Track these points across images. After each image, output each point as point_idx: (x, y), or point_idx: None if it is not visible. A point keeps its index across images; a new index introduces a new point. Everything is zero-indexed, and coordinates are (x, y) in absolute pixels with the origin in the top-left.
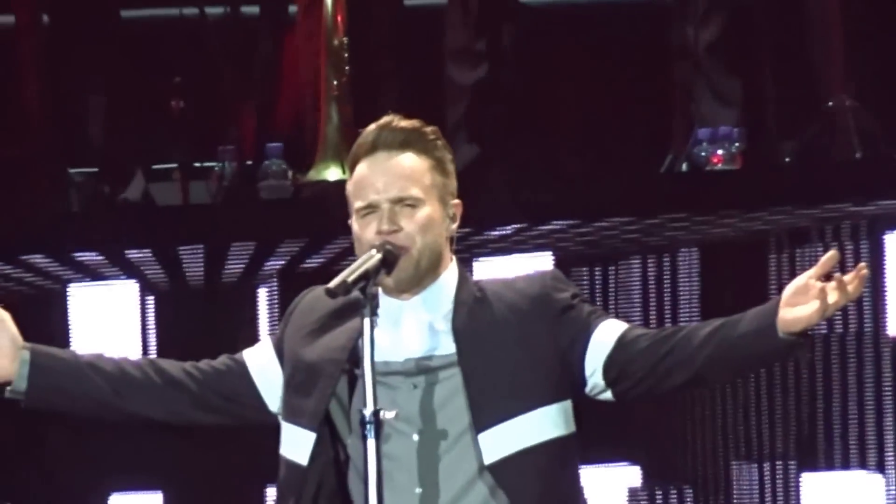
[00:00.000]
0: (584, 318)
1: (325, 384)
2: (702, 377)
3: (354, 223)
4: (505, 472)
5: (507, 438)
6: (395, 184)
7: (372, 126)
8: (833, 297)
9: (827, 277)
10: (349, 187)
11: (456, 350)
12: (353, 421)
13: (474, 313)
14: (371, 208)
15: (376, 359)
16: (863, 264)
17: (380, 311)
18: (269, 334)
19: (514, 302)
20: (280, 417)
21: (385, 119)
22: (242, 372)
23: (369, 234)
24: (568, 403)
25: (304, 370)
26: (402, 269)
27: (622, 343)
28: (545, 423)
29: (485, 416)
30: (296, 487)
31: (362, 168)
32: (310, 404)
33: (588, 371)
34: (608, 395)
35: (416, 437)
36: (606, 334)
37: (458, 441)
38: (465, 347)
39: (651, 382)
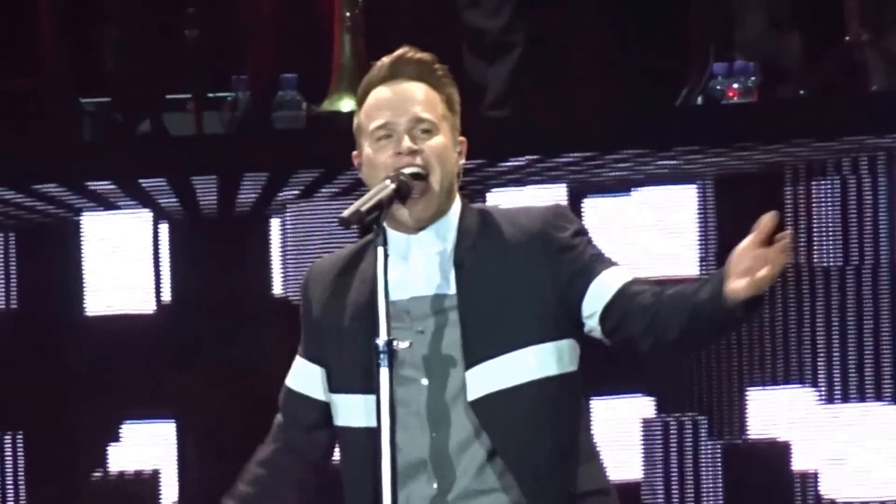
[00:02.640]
0: (585, 260)
1: (366, 345)
2: (679, 346)
3: (367, 148)
4: (486, 409)
5: (492, 376)
6: (413, 106)
7: (385, 58)
8: (763, 271)
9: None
10: (360, 115)
11: (456, 288)
12: (400, 368)
13: (476, 248)
14: (388, 129)
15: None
16: (786, 232)
17: (391, 248)
18: (299, 350)
19: (514, 237)
20: (331, 393)
21: (400, 51)
22: (304, 403)
23: (384, 157)
24: (565, 343)
25: (340, 339)
26: (422, 202)
27: (623, 294)
28: (536, 362)
29: (474, 352)
30: (372, 450)
31: (378, 92)
32: (360, 369)
33: (585, 313)
34: (607, 342)
35: (424, 382)
36: (608, 282)
37: (458, 381)
38: (464, 284)
39: (648, 342)
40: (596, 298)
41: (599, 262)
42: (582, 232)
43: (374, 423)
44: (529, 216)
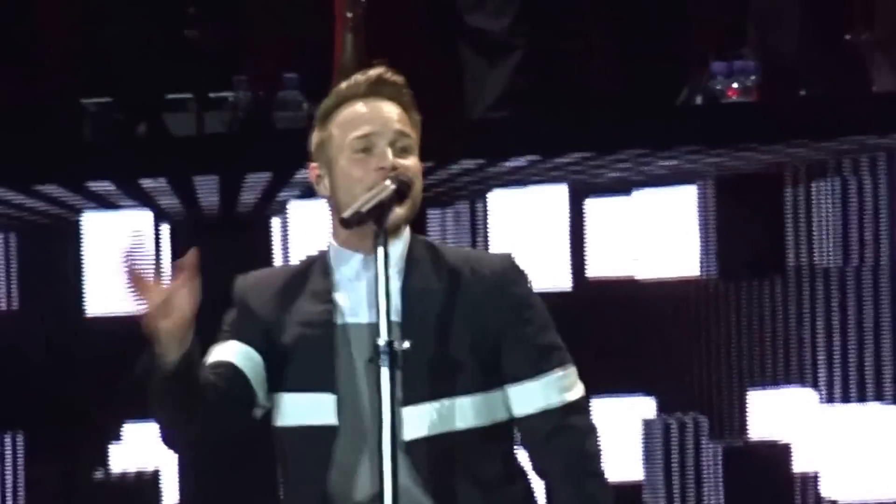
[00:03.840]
0: (531, 346)
1: (323, 345)
2: None
3: (341, 161)
4: (419, 451)
5: (428, 418)
6: (394, 123)
7: (358, 75)
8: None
9: None
10: (330, 128)
11: (401, 316)
12: (358, 371)
13: (425, 282)
14: (368, 142)
15: (338, 322)
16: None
17: (343, 268)
18: (222, 334)
19: (469, 281)
20: (279, 392)
21: (377, 70)
22: (232, 371)
23: (363, 171)
24: (497, 394)
25: (289, 345)
26: (398, 212)
27: (531, 423)
28: (472, 411)
29: (413, 390)
30: (326, 447)
31: (355, 108)
32: (315, 368)
33: (509, 395)
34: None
35: (367, 411)
36: (531, 398)
37: (397, 416)
38: (410, 317)
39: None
40: (518, 402)
41: (542, 355)
42: (532, 292)
43: (331, 421)
44: (485, 263)
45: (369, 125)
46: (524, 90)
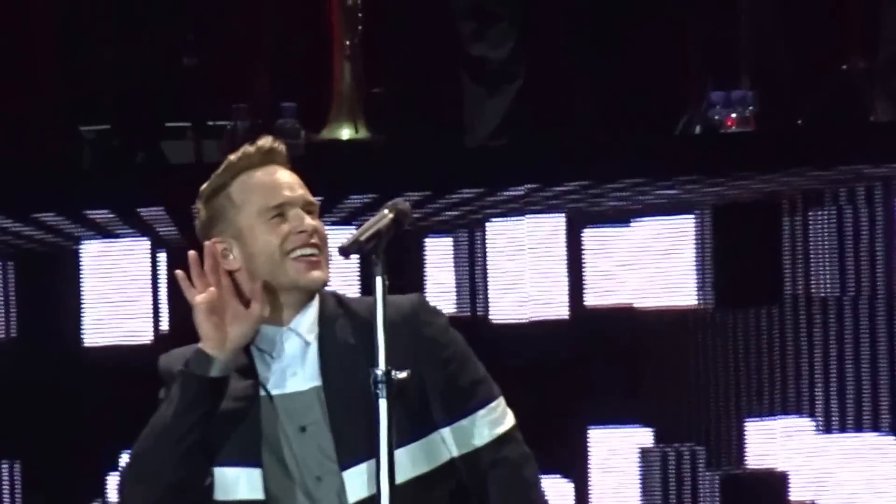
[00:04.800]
0: (451, 386)
1: (248, 418)
2: None
3: (256, 229)
4: None
5: (367, 478)
6: (299, 189)
7: (248, 146)
8: None
9: None
10: (234, 197)
11: (322, 381)
12: (284, 441)
13: (338, 338)
14: (284, 209)
15: (261, 394)
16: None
17: (262, 343)
18: None
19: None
20: (211, 467)
21: (265, 139)
22: None
23: (278, 239)
24: (435, 436)
25: (219, 418)
26: (319, 269)
27: (468, 461)
28: (409, 461)
29: (348, 453)
30: None
31: (258, 176)
32: (241, 441)
33: (443, 436)
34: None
35: (309, 482)
36: (463, 437)
37: (337, 482)
38: (330, 378)
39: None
40: (452, 443)
41: (465, 394)
42: (448, 324)
43: (258, 496)
44: (395, 307)
45: (281, 194)
46: (523, 119)
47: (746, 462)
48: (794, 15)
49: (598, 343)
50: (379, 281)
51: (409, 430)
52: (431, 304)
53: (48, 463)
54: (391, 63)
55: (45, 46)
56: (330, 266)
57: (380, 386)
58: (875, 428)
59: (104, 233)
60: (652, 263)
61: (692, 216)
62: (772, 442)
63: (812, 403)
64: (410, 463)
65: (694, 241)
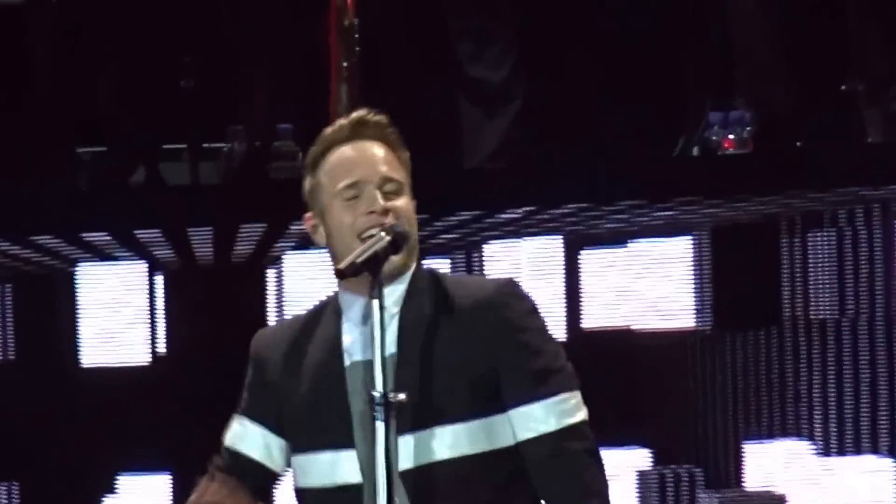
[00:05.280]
0: (526, 369)
1: (337, 400)
2: None
3: (333, 208)
4: (414, 482)
5: (420, 447)
6: (380, 165)
7: (343, 119)
8: None
9: None
10: (319, 175)
11: (397, 349)
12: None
13: (422, 311)
14: (357, 188)
15: (346, 364)
16: None
17: (350, 311)
18: (238, 411)
19: (461, 306)
20: (296, 454)
21: (359, 112)
22: (247, 464)
23: (353, 217)
24: (498, 418)
25: (304, 398)
26: (395, 260)
27: (530, 448)
28: (464, 439)
29: (405, 420)
30: None
31: (341, 152)
32: (332, 425)
33: (511, 418)
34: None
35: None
36: (529, 422)
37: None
38: (405, 347)
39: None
40: (518, 426)
41: (538, 380)
42: (533, 311)
43: (356, 479)
44: (479, 289)
45: (356, 171)
46: (521, 141)
47: (745, 484)
48: (793, 36)
49: (596, 365)
50: (376, 304)
51: (470, 406)
52: (522, 289)
53: (47, 484)
54: (388, 85)
55: (42, 68)
56: (415, 243)
57: (377, 408)
58: (874, 450)
59: (101, 255)
60: (650, 285)
61: (690, 238)
62: (770, 464)
63: (811, 426)
64: (468, 440)
65: (692, 263)
